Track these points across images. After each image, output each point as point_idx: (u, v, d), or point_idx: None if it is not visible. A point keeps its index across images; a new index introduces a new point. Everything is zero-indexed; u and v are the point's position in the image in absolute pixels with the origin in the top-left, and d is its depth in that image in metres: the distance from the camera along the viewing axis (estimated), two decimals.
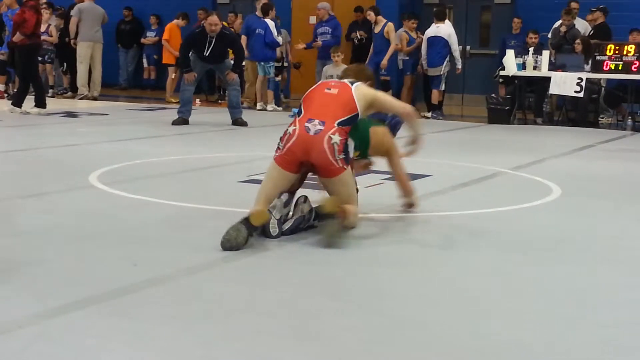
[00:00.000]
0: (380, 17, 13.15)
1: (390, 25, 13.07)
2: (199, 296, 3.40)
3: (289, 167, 4.41)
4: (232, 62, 10.99)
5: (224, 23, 10.96)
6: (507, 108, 12.13)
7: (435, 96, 12.69)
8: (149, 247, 4.18)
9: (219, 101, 15.03)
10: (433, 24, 12.73)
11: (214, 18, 10.40)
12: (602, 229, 4.94)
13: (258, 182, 6.17)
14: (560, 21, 12.87)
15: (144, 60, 17.50)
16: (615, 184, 6.85)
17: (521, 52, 12.43)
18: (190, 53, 10.60)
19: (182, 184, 6.33)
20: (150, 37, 17.23)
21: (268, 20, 13.06)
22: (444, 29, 12.58)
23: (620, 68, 11.41)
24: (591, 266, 4.03)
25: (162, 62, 15.16)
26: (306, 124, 4.38)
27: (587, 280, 3.79)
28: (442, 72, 12.61)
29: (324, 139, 4.33)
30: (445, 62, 12.56)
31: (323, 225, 4.33)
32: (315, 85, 4.72)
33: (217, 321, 3.08)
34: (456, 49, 12.62)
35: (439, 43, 12.56)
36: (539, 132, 11.20)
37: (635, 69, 11.28)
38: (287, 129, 4.45)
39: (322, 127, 4.36)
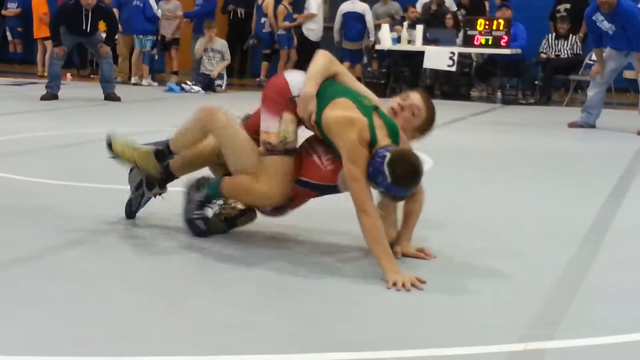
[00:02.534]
0: None
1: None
2: (67, 275, 3.28)
3: None
4: (105, 35, 10.73)
5: None
6: (383, 82, 12.31)
7: (357, 70, 13.07)
8: (15, 225, 4.01)
9: (91, 75, 14.62)
10: (348, 1, 13.33)
11: None
12: (471, 199, 5.07)
13: None
14: None
15: (8, 34, 16.73)
16: (485, 155, 7.06)
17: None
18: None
19: (51, 161, 6.10)
20: (11, 8, 16.48)
21: None
22: (360, 5, 13.24)
23: (490, 43, 11.72)
24: (457, 236, 4.13)
25: (35, 37, 14.42)
26: None
27: (452, 248, 3.87)
28: (362, 47, 13.28)
29: None
30: (364, 37, 13.22)
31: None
32: None
33: (88, 300, 2.98)
34: (371, 21, 13.18)
35: (355, 18, 13.22)
36: None
37: (504, 44, 11.62)
38: None
39: None
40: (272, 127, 3.57)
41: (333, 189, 3.66)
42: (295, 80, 3.62)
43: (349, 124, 3.39)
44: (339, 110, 3.45)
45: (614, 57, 8.61)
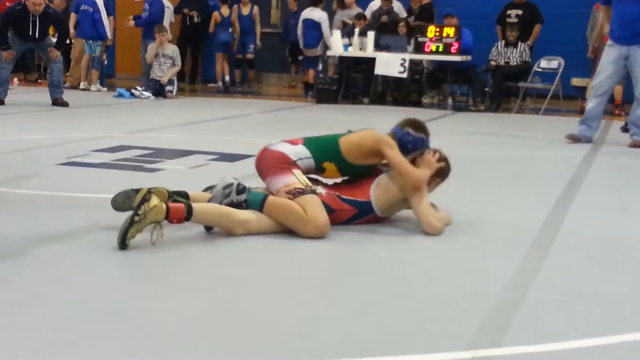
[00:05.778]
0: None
1: (257, 8, 14.04)
2: (7, 285, 3.20)
3: None
4: (55, 39, 10.62)
5: (46, 1, 10.52)
6: (334, 88, 12.34)
7: (310, 75, 13.38)
8: None
9: (39, 80, 14.42)
10: (307, 8, 13.42)
11: None
12: None
13: (77, 164, 5.97)
14: (378, 4, 13.16)
15: None
16: None
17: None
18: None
19: None
20: None
21: None
22: (317, 13, 13.26)
23: (440, 50, 11.80)
24: (403, 242, 4.13)
25: None
26: None
27: (398, 254, 3.88)
28: (318, 54, 13.36)
29: None
30: (320, 44, 13.24)
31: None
32: None
33: (26, 310, 2.90)
34: (327, 31, 13.14)
35: (311, 25, 13.26)
36: (364, 111, 11.42)
37: (454, 51, 11.70)
38: None
39: None
40: (290, 179, 4.10)
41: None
42: (286, 149, 4.23)
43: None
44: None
45: (613, 59, 7.94)
